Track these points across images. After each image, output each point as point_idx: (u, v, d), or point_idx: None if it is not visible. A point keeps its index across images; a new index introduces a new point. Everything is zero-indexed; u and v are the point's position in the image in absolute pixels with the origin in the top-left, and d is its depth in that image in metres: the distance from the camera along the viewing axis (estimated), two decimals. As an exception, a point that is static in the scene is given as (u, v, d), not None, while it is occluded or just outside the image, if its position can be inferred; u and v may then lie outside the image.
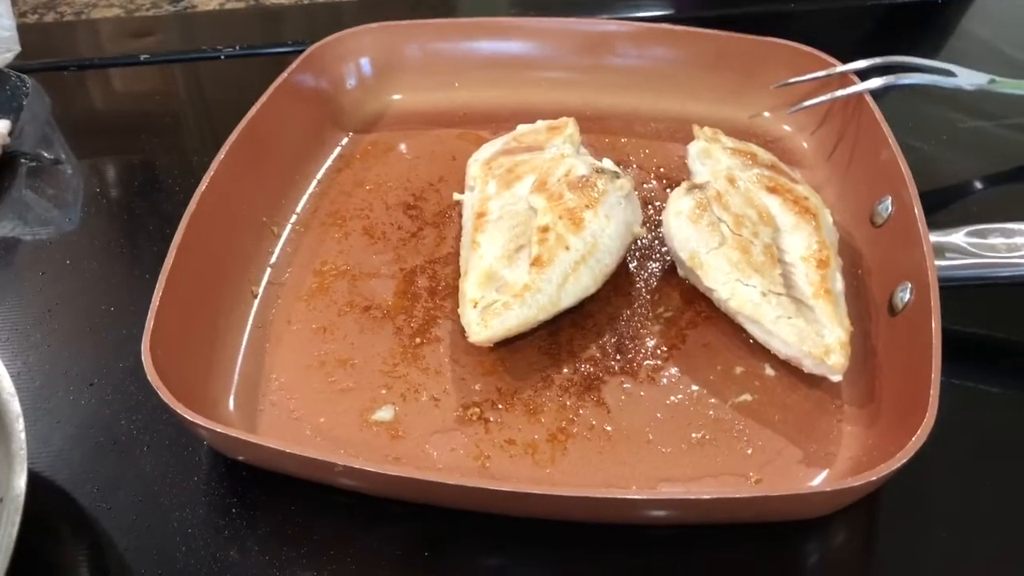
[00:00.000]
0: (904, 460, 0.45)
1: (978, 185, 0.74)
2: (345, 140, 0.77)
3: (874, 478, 0.45)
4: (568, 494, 0.48)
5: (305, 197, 0.72)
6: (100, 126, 0.86)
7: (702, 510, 0.48)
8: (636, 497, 0.49)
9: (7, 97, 0.80)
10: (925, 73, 0.71)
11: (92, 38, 0.97)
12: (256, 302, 0.63)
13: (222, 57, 0.91)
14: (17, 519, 0.44)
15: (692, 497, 0.48)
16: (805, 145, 0.74)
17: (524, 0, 1.01)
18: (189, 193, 0.62)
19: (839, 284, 0.58)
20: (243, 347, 0.60)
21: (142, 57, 0.91)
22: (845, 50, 0.74)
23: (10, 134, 0.78)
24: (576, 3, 1.00)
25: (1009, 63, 0.87)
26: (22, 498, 0.45)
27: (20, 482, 0.45)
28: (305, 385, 0.58)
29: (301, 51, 0.77)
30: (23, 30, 0.87)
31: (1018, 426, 0.57)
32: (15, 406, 0.48)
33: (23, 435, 0.47)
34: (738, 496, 0.48)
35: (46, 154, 0.80)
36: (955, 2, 0.96)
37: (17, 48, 0.85)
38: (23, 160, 0.79)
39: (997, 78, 0.73)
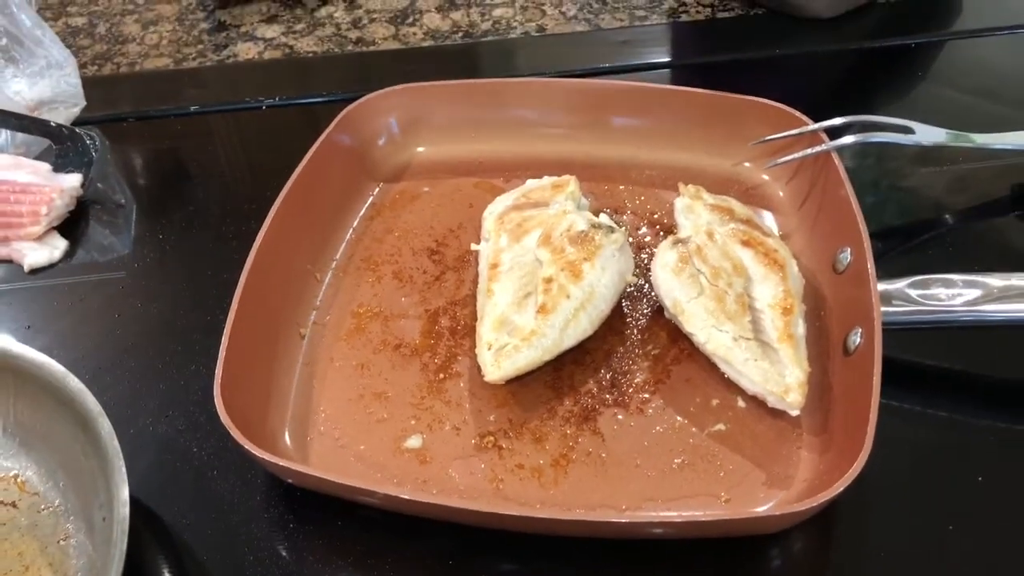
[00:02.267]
0: (841, 488, 0.54)
1: (927, 234, 0.81)
2: (376, 190, 0.86)
3: (815, 504, 0.54)
4: (564, 517, 0.58)
5: (343, 245, 0.81)
6: (157, 173, 0.95)
7: (677, 529, 0.58)
8: (622, 520, 0.59)
9: (79, 153, 0.90)
10: (887, 131, 0.78)
11: (146, 89, 1.06)
12: (304, 343, 0.73)
13: (263, 108, 1.01)
14: (125, 537, 0.54)
15: (668, 520, 0.58)
16: (781, 194, 0.82)
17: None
18: (242, 239, 0.72)
19: (801, 329, 0.67)
20: (295, 384, 0.70)
21: (192, 108, 1.01)
22: (822, 93, 0.81)
23: (82, 186, 0.88)
24: (582, 47, 1.08)
25: (977, 109, 0.94)
26: (127, 521, 0.54)
27: (124, 509, 0.55)
28: (347, 416, 0.68)
29: (332, 102, 0.87)
30: (84, 83, 0.97)
31: (955, 445, 0.66)
32: (115, 444, 0.58)
33: (123, 469, 0.57)
34: (705, 519, 0.57)
35: (110, 200, 0.90)
36: (927, 47, 1.03)
37: (83, 103, 0.95)
38: (91, 207, 0.89)
39: (958, 132, 0.79)
